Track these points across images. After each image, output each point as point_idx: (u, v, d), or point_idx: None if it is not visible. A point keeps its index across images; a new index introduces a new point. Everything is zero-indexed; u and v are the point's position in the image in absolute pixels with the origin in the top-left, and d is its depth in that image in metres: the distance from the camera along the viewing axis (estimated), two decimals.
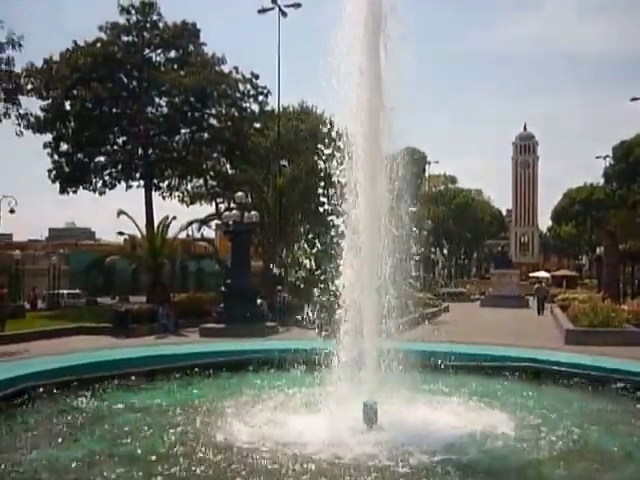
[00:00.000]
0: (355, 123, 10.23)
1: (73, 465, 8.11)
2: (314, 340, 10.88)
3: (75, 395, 12.24)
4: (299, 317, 11.22)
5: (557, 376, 14.18)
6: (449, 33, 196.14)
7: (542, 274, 74.33)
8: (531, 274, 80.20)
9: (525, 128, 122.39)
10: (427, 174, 73.96)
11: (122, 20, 39.12)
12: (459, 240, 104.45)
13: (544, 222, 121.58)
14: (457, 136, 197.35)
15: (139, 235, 31.90)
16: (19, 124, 32.59)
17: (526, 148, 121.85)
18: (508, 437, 9.41)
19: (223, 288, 27.43)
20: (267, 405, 11.18)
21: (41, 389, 12.13)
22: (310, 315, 10.67)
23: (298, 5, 35.19)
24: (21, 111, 26.72)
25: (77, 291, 40.68)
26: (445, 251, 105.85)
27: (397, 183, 10.14)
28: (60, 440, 9.31)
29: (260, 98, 40.91)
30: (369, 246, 9.95)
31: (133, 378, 13.72)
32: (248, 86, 40.51)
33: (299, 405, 10.73)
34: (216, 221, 39.04)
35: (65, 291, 35.23)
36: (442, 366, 13.34)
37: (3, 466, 8.03)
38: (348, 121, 10.31)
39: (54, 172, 39.43)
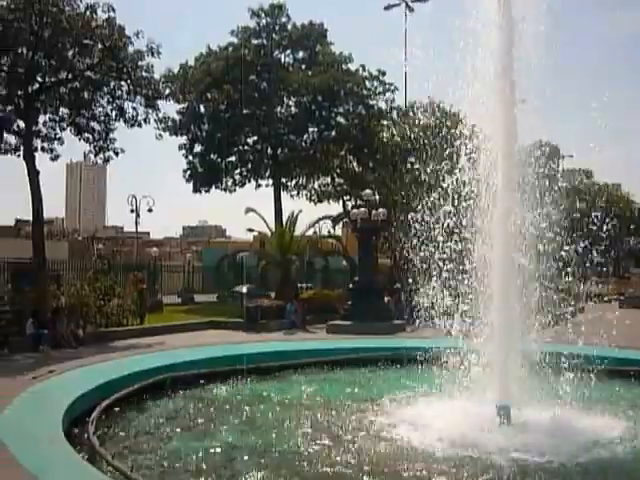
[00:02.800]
0: (488, 117, 9.94)
1: (210, 453, 8.28)
2: (444, 339, 10.66)
3: (210, 386, 12.57)
4: (427, 315, 11.06)
5: None
6: (582, 19, 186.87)
7: None
8: None
9: None
10: (561, 168, 70.71)
11: (252, 24, 40.31)
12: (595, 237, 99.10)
13: None
14: (593, 128, 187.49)
15: (268, 232, 32.58)
16: (158, 128, 34.14)
17: None
18: None
19: (351, 285, 27.51)
20: (394, 404, 11.02)
21: (179, 380, 12.53)
22: (439, 314, 10.49)
23: None
24: (160, 115, 27.82)
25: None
26: (579, 249, 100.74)
27: (530, 178, 9.79)
28: (197, 429, 9.55)
29: (387, 95, 40.87)
30: (503, 244, 9.64)
31: (267, 371, 13.92)
32: (375, 83, 40.43)
33: (432, 404, 10.51)
34: (344, 219, 39.22)
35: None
36: (579, 368, 12.61)
37: (147, 454, 8.29)
38: (480, 115, 10.04)
39: (188, 172, 41.16)
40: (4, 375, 14.44)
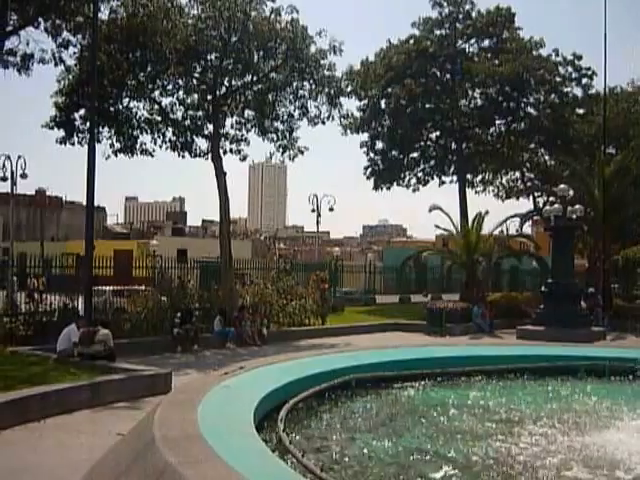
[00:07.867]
0: None
1: (391, 459, 7.83)
2: None
3: (395, 389, 12.12)
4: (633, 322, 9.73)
5: None
6: None
7: None
8: None
9: None
10: None
11: (434, 14, 39.29)
12: None
13: None
14: None
15: (453, 231, 31.38)
16: (340, 125, 34.39)
17: None
18: None
19: (543, 288, 25.71)
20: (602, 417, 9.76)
21: (364, 381, 12.17)
22: None
23: None
24: (342, 113, 27.82)
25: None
26: None
27: None
28: (379, 433, 9.07)
29: (584, 81, 38.09)
30: None
31: (456, 377, 13.14)
32: (569, 69, 37.94)
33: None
34: (534, 217, 37.20)
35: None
36: None
37: (332, 454, 7.99)
38: None
39: (369, 169, 40.90)
40: (198, 370, 14.96)
